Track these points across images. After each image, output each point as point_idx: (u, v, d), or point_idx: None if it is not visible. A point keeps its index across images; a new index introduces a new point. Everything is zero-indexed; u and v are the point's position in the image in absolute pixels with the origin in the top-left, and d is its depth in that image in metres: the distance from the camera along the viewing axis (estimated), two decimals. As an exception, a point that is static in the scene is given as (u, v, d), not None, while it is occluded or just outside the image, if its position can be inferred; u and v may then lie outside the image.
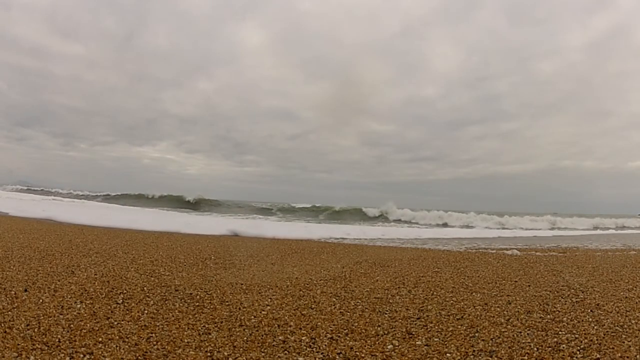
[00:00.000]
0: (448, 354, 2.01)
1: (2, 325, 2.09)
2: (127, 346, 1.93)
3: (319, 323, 2.44)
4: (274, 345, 2.06)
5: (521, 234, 13.91)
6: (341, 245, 6.99)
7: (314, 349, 2.03)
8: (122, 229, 7.90)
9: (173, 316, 2.44)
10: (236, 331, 2.23)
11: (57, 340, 1.94)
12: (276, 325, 2.36)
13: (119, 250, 4.94)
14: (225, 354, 1.92)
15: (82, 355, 1.79)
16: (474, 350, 2.06)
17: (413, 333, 2.32)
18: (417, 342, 2.17)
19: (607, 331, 2.39)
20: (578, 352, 2.05)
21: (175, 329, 2.21)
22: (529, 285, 3.75)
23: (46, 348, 1.84)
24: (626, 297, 3.33)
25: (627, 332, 2.39)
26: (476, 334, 2.31)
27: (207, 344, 2.02)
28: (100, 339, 1.99)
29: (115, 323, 2.24)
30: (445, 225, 20.12)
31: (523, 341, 2.20)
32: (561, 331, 2.39)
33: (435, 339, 2.22)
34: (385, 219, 22.70)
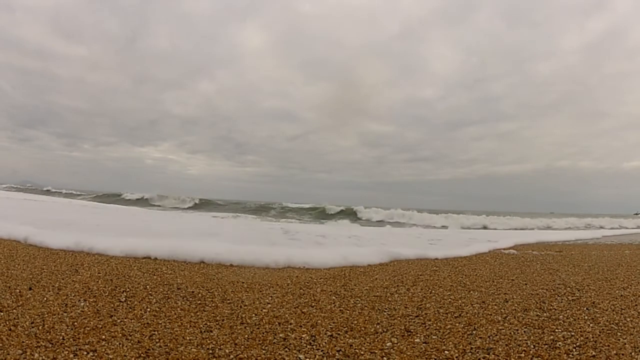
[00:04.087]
0: (446, 351, 2.04)
1: (7, 322, 2.12)
2: (130, 344, 1.96)
3: (319, 321, 2.47)
4: (274, 342, 2.09)
5: (520, 233, 13.95)
6: (340, 245, 7.01)
7: (314, 346, 2.06)
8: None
9: (175, 314, 2.47)
10: (237, 329, 2.26)
11: (61, 337, 1.97)
12: (277, 323, 2.39)
13: (119, 249, 4.95)
14: (227, 351, 1.95)
15: (85, 353, 1.82)
16: (471, 348, 2.09)
17: (412, 331, 2.35)
18: (415, 340, 2.20)
19: (602, 329, 2.43)
20: (574, 350, 2.08)
21: (177, 327, 2.24)
22: (526, 284, 3.79)
23: (50, 345, 1.87)
24: (621, 296, 3.38)
25: (622, 329, 2.43)
26: (474, 332, 2.35)
27: (208, 342, 2.05)
28: (103, 337, 2.02)
29: (119, 321, 2.27)
30: (443, 225, 20.16)
31: (520, 339, 2.24)
32: (557, 329, 2.42)
33: (434, 337, 2.25)
34: (382, 219, 22.73)
